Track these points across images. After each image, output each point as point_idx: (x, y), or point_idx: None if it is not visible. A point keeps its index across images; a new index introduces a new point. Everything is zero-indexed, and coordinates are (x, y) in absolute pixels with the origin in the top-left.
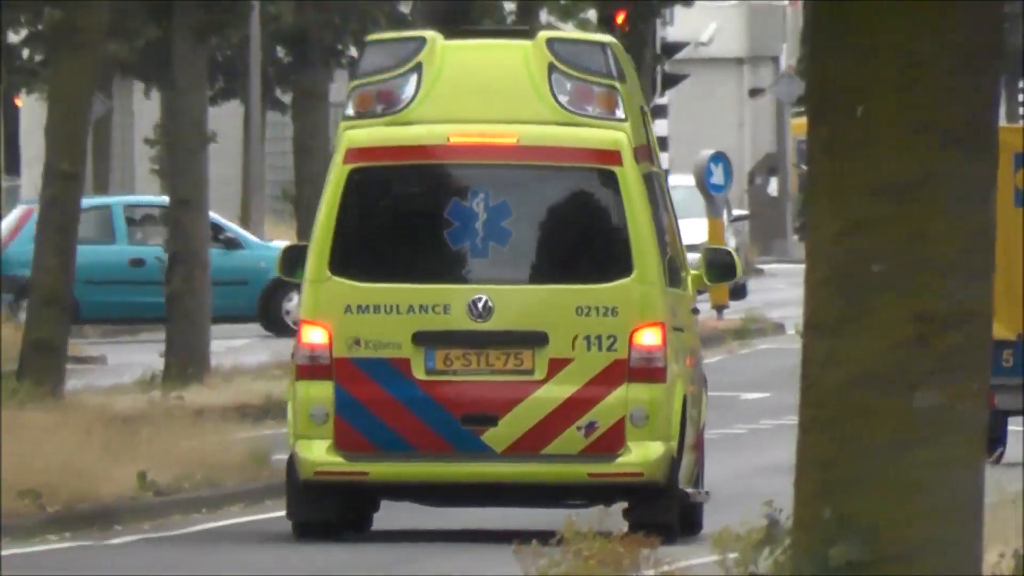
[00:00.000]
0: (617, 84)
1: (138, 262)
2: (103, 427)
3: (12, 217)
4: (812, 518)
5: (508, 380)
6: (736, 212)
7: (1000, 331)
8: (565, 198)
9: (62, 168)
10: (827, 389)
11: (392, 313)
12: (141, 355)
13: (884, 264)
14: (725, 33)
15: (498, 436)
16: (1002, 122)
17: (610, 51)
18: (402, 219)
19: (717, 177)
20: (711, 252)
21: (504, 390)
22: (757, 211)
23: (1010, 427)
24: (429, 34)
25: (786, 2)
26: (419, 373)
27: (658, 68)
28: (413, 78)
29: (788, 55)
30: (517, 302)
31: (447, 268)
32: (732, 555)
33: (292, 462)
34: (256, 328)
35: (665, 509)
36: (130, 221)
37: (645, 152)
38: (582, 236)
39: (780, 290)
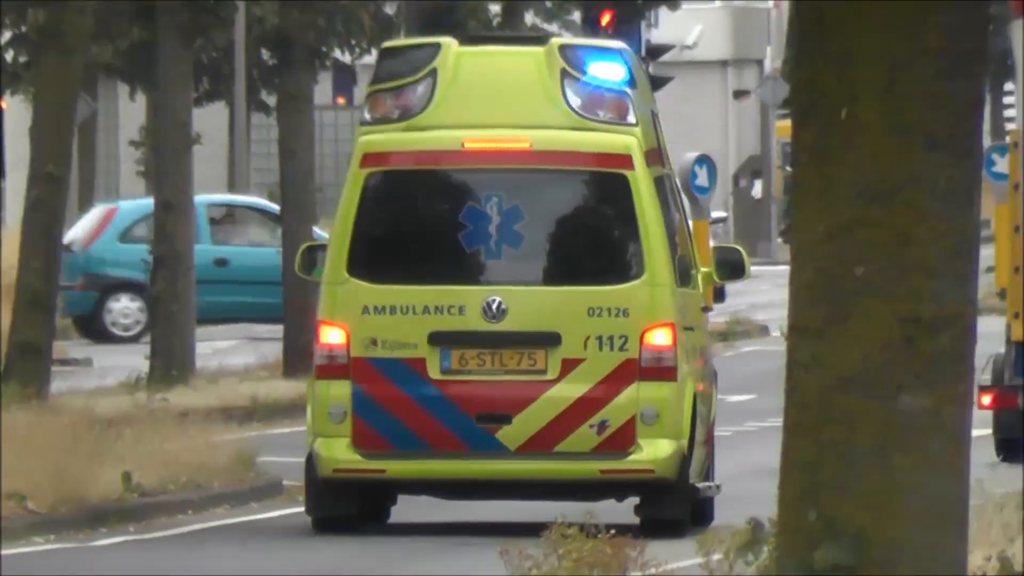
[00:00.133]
0: (628, 89)
1: (222, 262)
2: (88, 429)
3: (94, 216)
4: (797, 521)
5: (521, 379)
6: (715, 215)
7: None
8: (577, 201)
9: (47, 170)
10: (812, 392)
11: (408, 314)
12: (126, 357)
13: (868, 267)
14: (710, 36)
15: (512, 434)
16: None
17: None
18: (418, 222)
19: (702, 179)
20: (721, 251)
21: (518, 389)
22: (741, 213)
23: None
24: (444, 41)
25: (770, 4)
26: (435, 373)
27: None
28: (428, 84)
29: (772, 58)
30: (530, 303)
31: (462, 270)
32: (716, 557)
33: (311, 460)
34: (241, 329)
35: (676, 505)
36: (212, 221)
37: (656, 155)
38: (594, 239)
39: (765, 292)
